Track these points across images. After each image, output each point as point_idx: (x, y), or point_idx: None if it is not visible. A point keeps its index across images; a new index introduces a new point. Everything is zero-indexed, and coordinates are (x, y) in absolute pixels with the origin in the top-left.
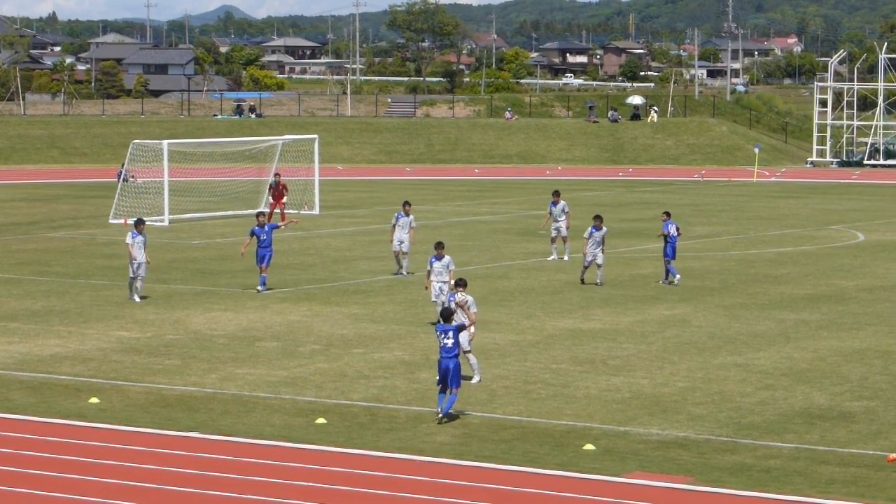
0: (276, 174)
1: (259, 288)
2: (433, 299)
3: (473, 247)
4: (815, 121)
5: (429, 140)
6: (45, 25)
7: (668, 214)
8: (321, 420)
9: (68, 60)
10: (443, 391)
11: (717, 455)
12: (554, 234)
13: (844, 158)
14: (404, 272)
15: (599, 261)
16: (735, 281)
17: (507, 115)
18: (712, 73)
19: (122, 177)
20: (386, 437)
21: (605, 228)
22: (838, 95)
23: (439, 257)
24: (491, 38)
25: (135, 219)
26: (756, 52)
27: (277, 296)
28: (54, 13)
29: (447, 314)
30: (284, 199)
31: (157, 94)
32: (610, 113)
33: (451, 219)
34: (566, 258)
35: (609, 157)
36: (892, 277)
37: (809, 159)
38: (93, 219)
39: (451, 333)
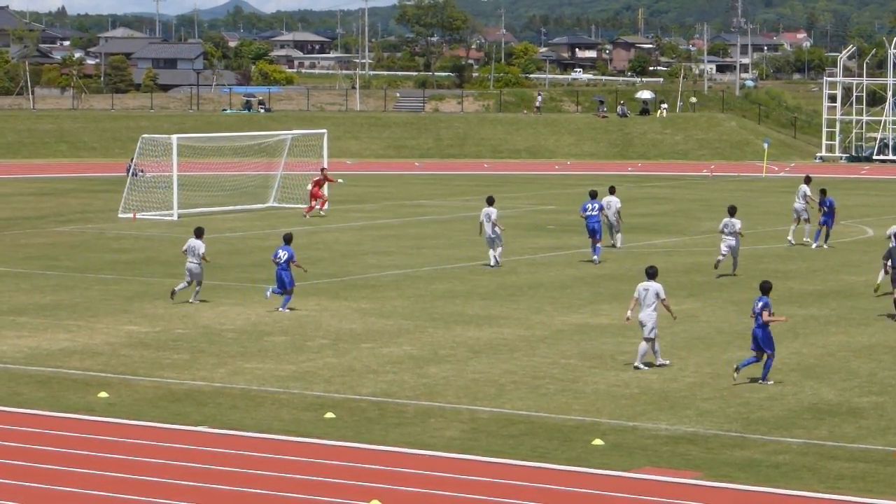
0: (322, 168)
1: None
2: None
3: (482, 242)
4: (825, 116)
5: (437, 135)
6: (54, 20)
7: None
8: (330, 415)
9: (77, 55)
10: (756, 358)
11: (726, 450)
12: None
13: (853, 154)
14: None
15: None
16: (744, 276)
17: (538, 100)
18: (721, 69)
19: (131, 171)
20: (394, 431)
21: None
22: (847, 91)
23: None
24: (500, 33)
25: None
26: (765, 48)
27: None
28: (63, 7)
29: (767, 287)
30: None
31: (166, 88)
32: (619, 108)
33: (460, 213)
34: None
35: (618, 152)
36: None
37: (818, 154)
38: (102, 213)
39: (759, 303)
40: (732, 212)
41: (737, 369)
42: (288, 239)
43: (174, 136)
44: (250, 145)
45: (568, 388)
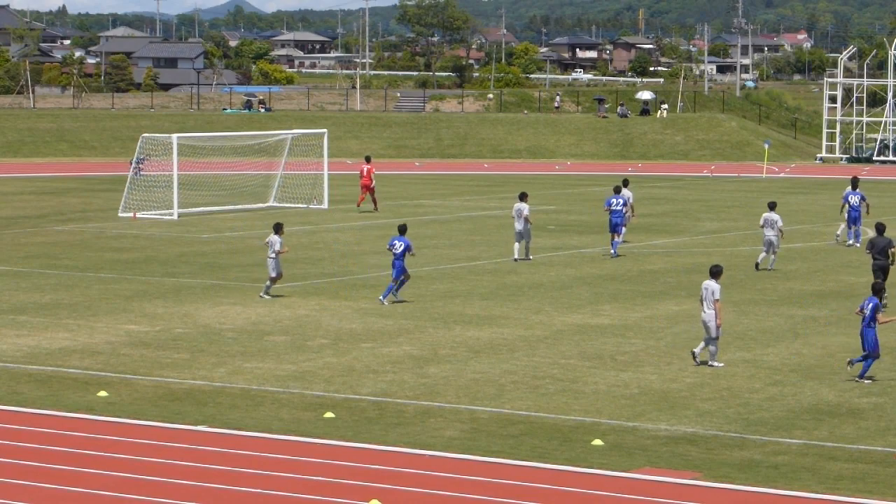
0: (367, 157)
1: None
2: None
3: (482, 241)
4: (825, 117)
5: (438, 135)
6: (55, 19)
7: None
8: (329, 414)
9: (78, 54)
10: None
11: (726, 451)
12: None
13: (854, 154)
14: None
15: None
16: (744, 277)
17: (557, 101)
18: (722, 69)
19: (133, 167)
20: (394, 431)
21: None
22: (848, 91)
23: None
24: (500, 33)
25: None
26: (766, 48)
27: (286, 290)
28: (64, 6)
29: (878, 287)
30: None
31: (166, 87)
32: (619, 108)
33: (460, 213)
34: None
35: (618, 152)
36: None
37: (819, 155)
38: (102, 212)
39: (869, 305)
40: (772, 207)
41: (850, 363)
42: (403, 229)
43: (174, 136)
44: (250, 145)
45: (568, 388)
